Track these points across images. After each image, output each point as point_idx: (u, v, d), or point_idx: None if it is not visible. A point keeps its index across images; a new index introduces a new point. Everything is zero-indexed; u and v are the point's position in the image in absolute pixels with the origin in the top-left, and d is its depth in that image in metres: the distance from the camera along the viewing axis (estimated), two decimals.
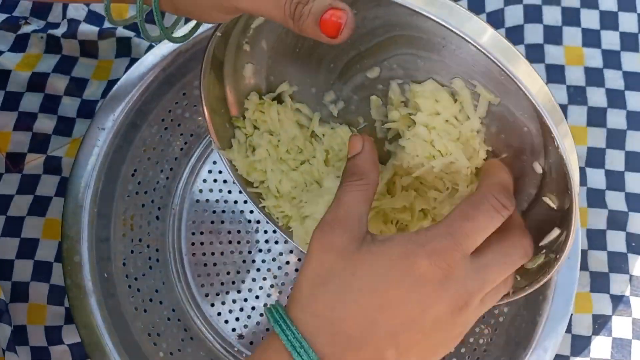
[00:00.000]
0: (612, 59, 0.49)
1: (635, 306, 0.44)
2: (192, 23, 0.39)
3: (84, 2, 0.50)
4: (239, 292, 0.47)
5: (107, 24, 0.51)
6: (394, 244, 0.29)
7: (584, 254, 0.45)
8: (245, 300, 0.47)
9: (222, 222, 0.48)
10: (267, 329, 0.47)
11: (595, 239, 0.46)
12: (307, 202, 0.38)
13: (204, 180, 0.49)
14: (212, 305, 0.47)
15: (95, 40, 0.50)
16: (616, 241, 0.46)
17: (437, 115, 0.33)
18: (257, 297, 0.47)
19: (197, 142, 0.49)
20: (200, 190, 0.49)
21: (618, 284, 0.45)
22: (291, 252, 0.48)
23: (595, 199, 0.46)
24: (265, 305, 0.47)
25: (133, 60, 0.50)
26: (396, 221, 0.38)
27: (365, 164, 0.32)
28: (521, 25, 0.49)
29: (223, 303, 0.47)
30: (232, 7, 0.29)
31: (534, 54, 0.49)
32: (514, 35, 0.49)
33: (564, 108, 0.48)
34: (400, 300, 0.28)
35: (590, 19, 0.49)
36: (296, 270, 0.48)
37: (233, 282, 0.47)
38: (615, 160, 0.47)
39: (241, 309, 0.47)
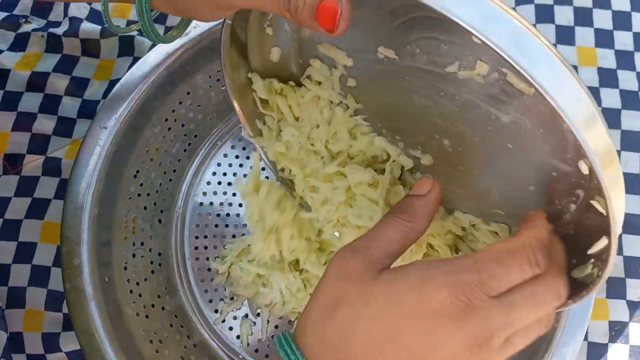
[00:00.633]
0: (625, 60, 0.48)
1: None
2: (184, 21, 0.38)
3: (85, 0, 0.49)
4: None
5: None
6: (414, 269, 0.27)
7: None
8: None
9: (227, 225, 0.47)
10: (272, 336, 0.45)
11: None
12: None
13: (208, 183, 0.48)
14: (216, 311, 0.45)
15: (98, 38, 0.49)
16: (632, 246, 0.45)
17: None
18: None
19: (201, 143, 0.48)
20: (204, 193, 0.48)
21: (634, 289, 0.44)
22: None
23: None
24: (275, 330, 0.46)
25: (136, 60, 0.48)
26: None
27: (423, 209, 0.30)
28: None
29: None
30: (226, 4, 0.29)
31: None
32: None
33: None
34: (412, 332, 0.26)
35: (602, 19, 0.49)
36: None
37: None
38: (630, 162, 0.46)
39: (245, 315, 0.45)
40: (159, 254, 0.45)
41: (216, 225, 0.47)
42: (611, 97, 0.47)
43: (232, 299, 0.46)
